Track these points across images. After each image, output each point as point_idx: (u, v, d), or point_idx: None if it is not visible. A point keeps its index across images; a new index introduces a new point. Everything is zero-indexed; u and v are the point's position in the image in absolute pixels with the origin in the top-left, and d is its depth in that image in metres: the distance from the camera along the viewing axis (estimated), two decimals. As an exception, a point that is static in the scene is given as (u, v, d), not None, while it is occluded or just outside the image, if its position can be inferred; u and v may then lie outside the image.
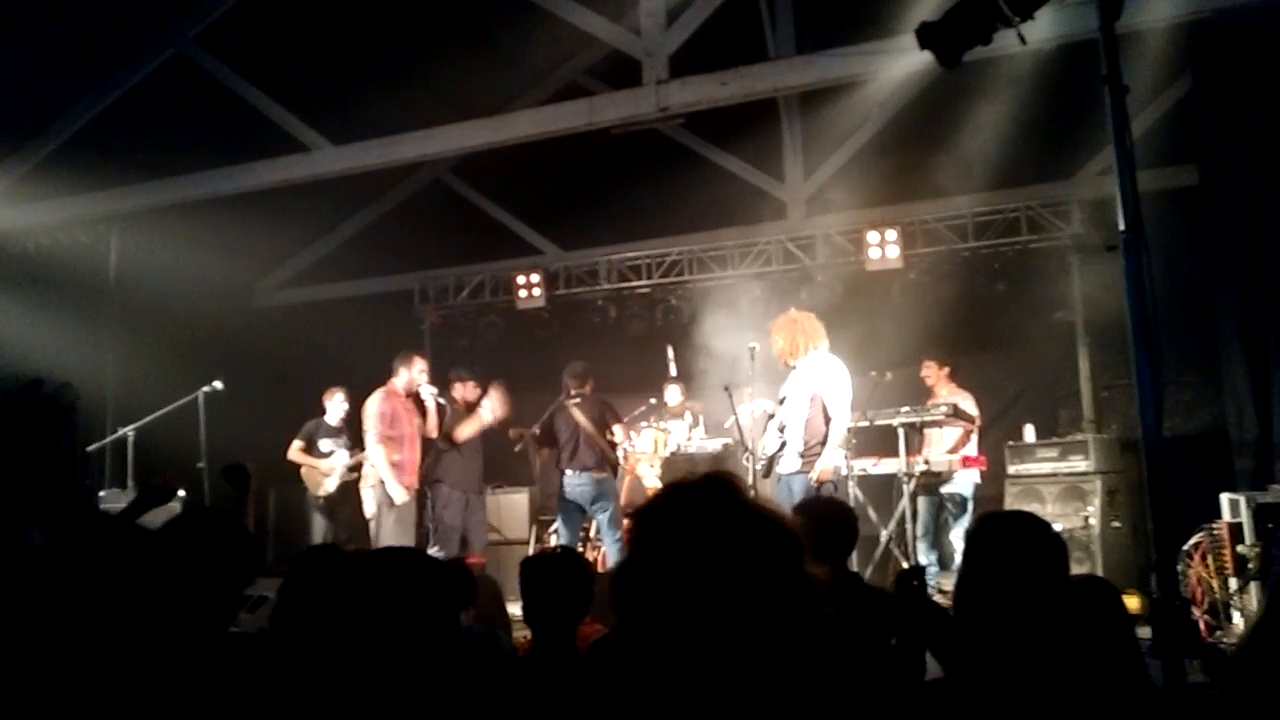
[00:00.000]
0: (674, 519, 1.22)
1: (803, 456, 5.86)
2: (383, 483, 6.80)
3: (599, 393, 7.52)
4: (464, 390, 7.42)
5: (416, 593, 1.75)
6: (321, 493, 8.01)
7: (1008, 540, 1.89)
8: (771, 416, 6.22)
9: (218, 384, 7.15)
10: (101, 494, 7.54)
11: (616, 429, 7.35)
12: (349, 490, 7.92)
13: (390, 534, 6.70)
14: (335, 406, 8.22)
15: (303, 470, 8.10)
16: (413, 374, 7.10)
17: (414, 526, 7.03)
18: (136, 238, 8.45)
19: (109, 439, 7.18)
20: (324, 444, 8.08)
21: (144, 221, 8.21)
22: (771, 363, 6.31)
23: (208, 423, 7.07)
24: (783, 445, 5.93)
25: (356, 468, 7.79)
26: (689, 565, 1.16)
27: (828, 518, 3.60)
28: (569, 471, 7.22)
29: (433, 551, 6.62)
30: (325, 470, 8.01)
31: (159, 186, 7.78)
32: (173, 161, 7.75)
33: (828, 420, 5.88)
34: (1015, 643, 1.76)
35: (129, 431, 7.01)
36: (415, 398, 7.13)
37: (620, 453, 7.63)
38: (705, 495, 1.23)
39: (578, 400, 7.32)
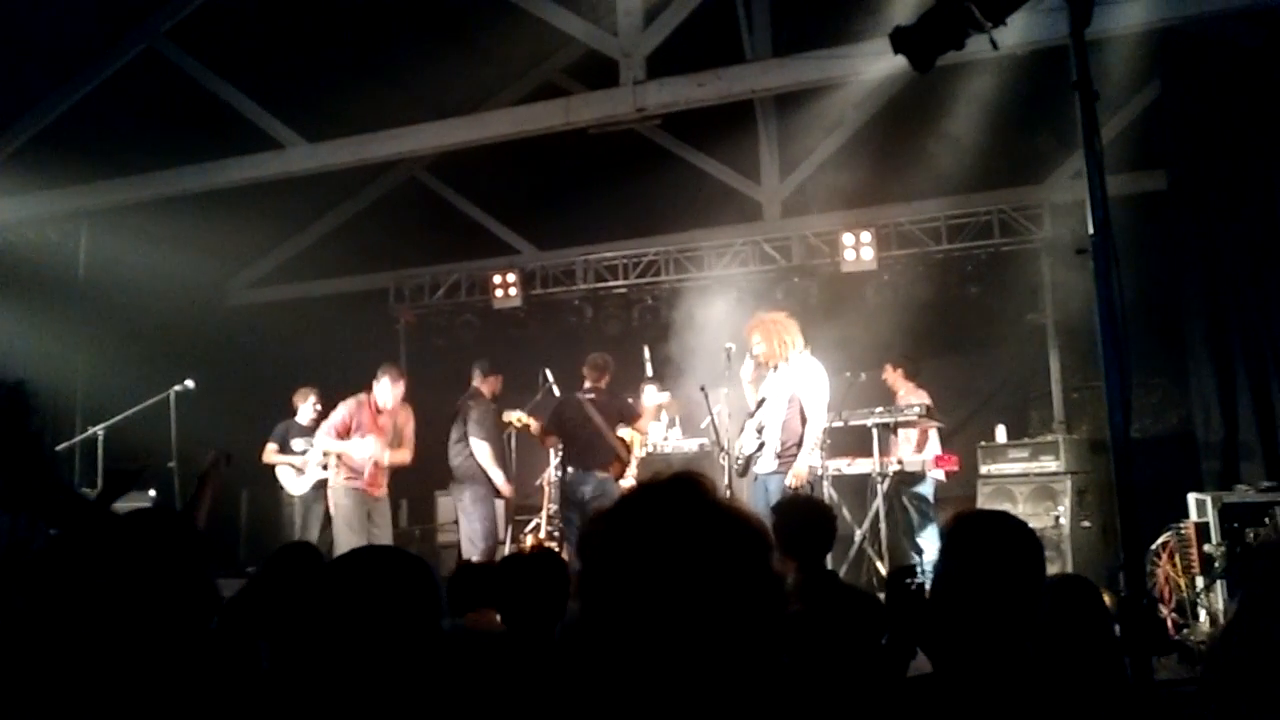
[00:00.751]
0: (638, 517, 1.22)
1: (780, 457, 5.90)
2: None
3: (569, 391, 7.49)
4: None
5: (391, 594, 1.74)
6: (296, 492, 7.97)
7: (985, 539, 1.91)
8: (749, 416, 6.24)
9: (189, 383, 7.07)
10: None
11: (623, 430, 7.23)
12: (324, 489, 7.89)
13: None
14: (307, 407, 8.19)
15: (278, 471, 8.05)
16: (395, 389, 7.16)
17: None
18: (106, 235, 8.34)
19: (78, 438, 7.08)
20: (296, 444, 8.03)
21: (114, 218, 8.11)
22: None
23: (179, 422, 6.99)
24: (761, 446, 5.96)
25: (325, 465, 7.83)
26: (652, 563, 1.16)
27: (804, 516, 3.63)
28: (572, 470, 7.11)
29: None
30: (300, 467, 7.97)
31: (129, 183, 7.69)
32: (144, 158, 7.65)
33: (804, 422, 5.91)
34: (993, 641, 1.78)
35: (99, 430, 6.92)
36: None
37: (642, 451, 7.62)
38: (670, 494, 1.23)
39: (593, 395, 7.19)
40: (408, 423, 7.22)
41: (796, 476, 5.80)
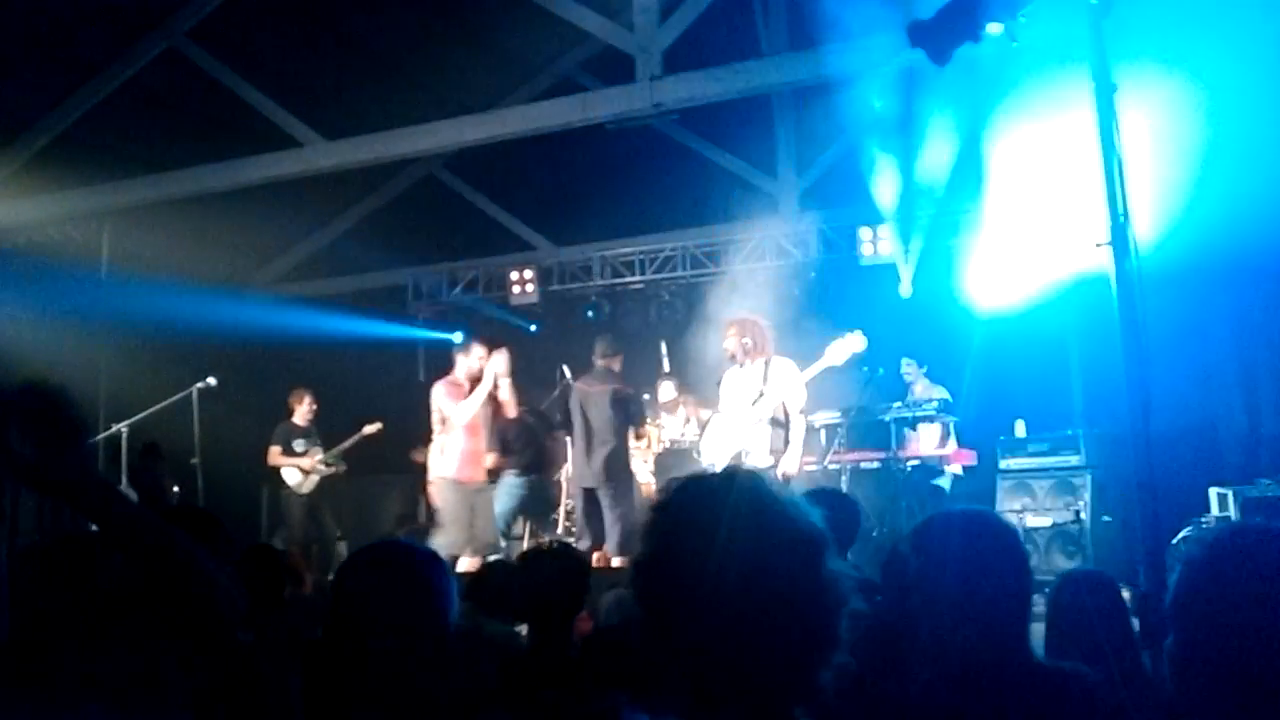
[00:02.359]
0: (701, 511, 1.21)
1: (772, 453, 5.94)
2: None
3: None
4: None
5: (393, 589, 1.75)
6: (305, 491, 8.11)
7: (951, 540, 1.89)
8: (722, 413, 6.21)
9: (211, 380, 7.14)
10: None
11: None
12: (325, 488, 8.08)
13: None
14: (303, 408, 8.30)
15: (285, 472, 8.18)
16: (470, 360, 6.67)
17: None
18: (129, 233, 8.41)
19: (102, 435, 7.16)
20: (297, 444, 8.20)
21: (136, 217, 8.17)
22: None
23: (201, 419, 7.06)
24: (757, 440, 5.98)
25: (333, 464, 8.03)
26: (720, 559, 1.14)
27: (831, 509, 3.63)
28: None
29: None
30: (307, 468, 8.14)
31: (151, 182, 7.75)
32: (165, 157, 7.72)
33: (788, 420, 5.96)
34: (979, 641, 1.77)
35: (123, 428, 7.00)
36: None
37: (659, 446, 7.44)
38: (732, 488, 1.22)
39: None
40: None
41: (787, 471, 5.84)
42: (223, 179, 7.58)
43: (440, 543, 6.07)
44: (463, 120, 7.17)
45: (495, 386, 6.50)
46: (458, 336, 10.42)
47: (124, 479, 6.84)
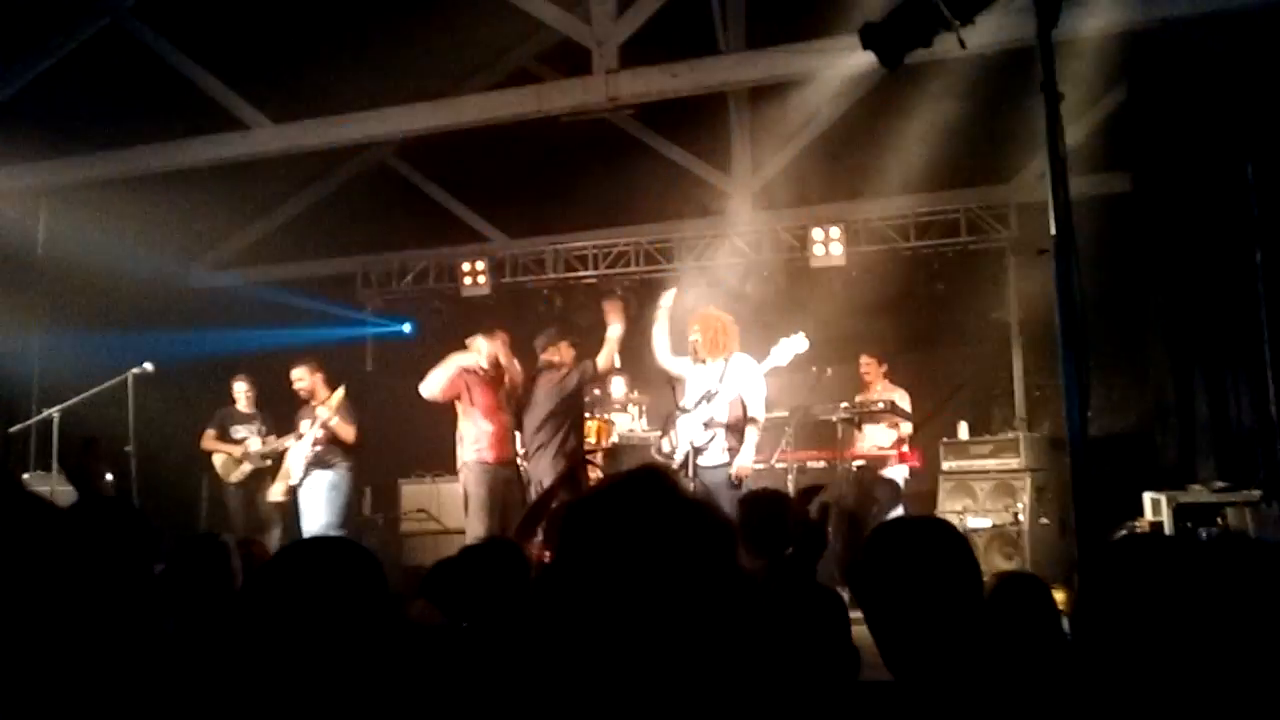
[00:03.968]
0: (607, 510, 1.21)
1: (727, 451, 5.95)
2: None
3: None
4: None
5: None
6: (235, 479, 7.86)
7: (903, 548, 1.91)
8: (684, 411, 6.17)
9: (148, 366, 6.95)
10: (25, 477, 7.33)
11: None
12: (262, 477, 7.76)
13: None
14: (244, 394, 8.04)
15: (215, 458, 7.95)
16: (491, 345, 6.60)
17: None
18: (67, 213, 8.17)
19: (33, 420, 6.95)
20: (237, 430, 7.95)
21: (75, 196, 7.95)
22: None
23: (136, 406, 6.88)
24: (711, 439, 5.98)
25: (270, 455, 7.68)
26: (621, 558, 1.15)
27: (767, 509, 3.64)
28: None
29: None
30: (239, 456, 7.88)
31: (91, 161, 7.54)
32: (105, 135, 7.50)
33: (745, 418, 5.97)
34: (932, 647, 1.79)
35: (54, 413, 6.79)
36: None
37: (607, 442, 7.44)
38: (637, 487, 1.23)
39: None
40: None
41: (740, 469, 5.85)
42: (166, 160, 7.40)
43: (476, 531, 5.99)
44: (415, 107, 7.08)
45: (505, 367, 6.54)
46: (407, 327, 10.33)
47: (54, 464, 6.65)
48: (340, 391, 7.16)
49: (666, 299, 6.54)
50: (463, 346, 6.61)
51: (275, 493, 7.42)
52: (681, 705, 1.14)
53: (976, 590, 1.89)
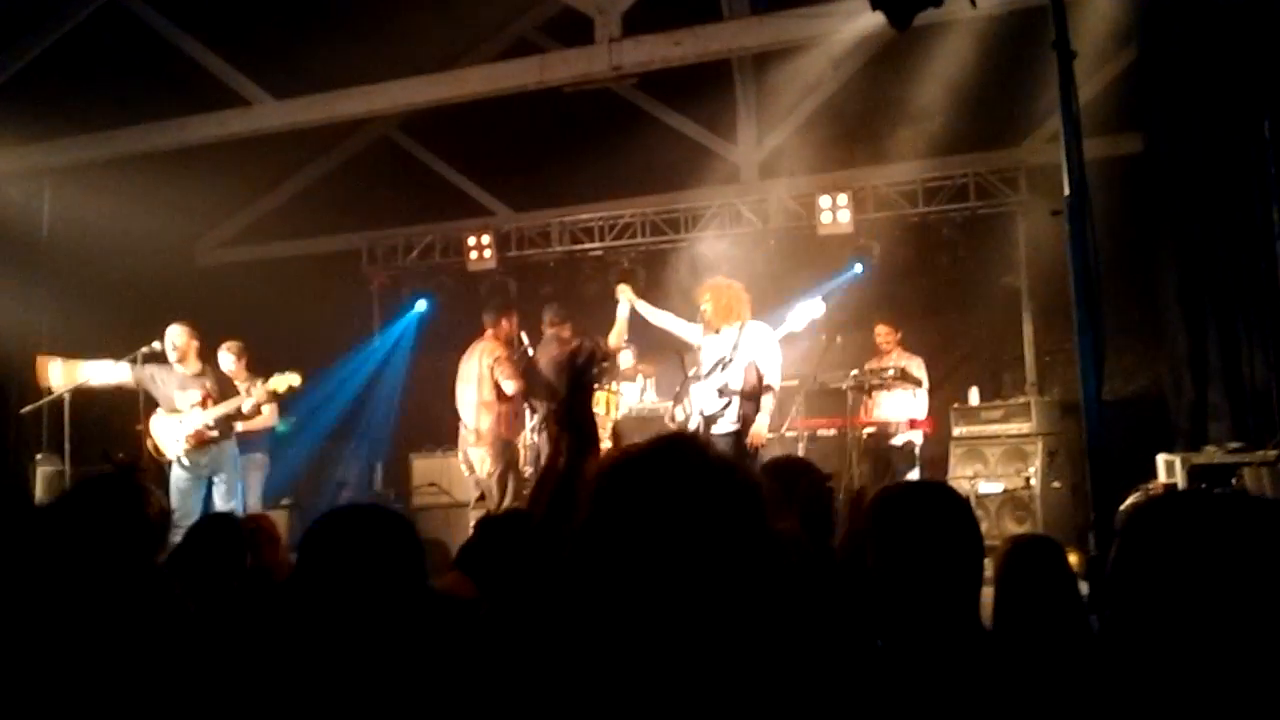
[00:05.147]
0: (638, 476, 1.20)
1: (741, 420, 5.93)
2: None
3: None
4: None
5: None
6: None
7: (907, 514, 1.91)
8: (696, 379, 6.18)
9: (156, 345, 6.94)
10: (38, 457, 7.37)
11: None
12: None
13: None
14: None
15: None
16: (507, 326, 6.97)
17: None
18: (72, 193, 8.14)
19: (44, 400, 6.97)
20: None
21: (79, 176, 7.92)
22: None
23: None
24: (726, 406, 5.97)
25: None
26: (656, 525, 1.15)
27: (794, 475, 3.63)
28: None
29: None
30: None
31: (94, 140, 7.51)
32: (108, 114, 7.47)
33: (760, 385, 5.96)
34: (938, 611, 1.78)
35: (65, 393, 6.80)
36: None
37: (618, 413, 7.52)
38: (667, 452, 1.22)
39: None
40: None
41: (755, 437, 5.85)
42: (169, 138, 7.37)
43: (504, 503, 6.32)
44: (417, 80, 7.03)
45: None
46: (422, 304, 10.28)
47: (66, 444, 6.66)
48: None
49: (624, 296, 6.62)
50: (475, 320, 6.69)
51: None
52: (720, 662, 1.13)
53: (978, 554, 1.89)
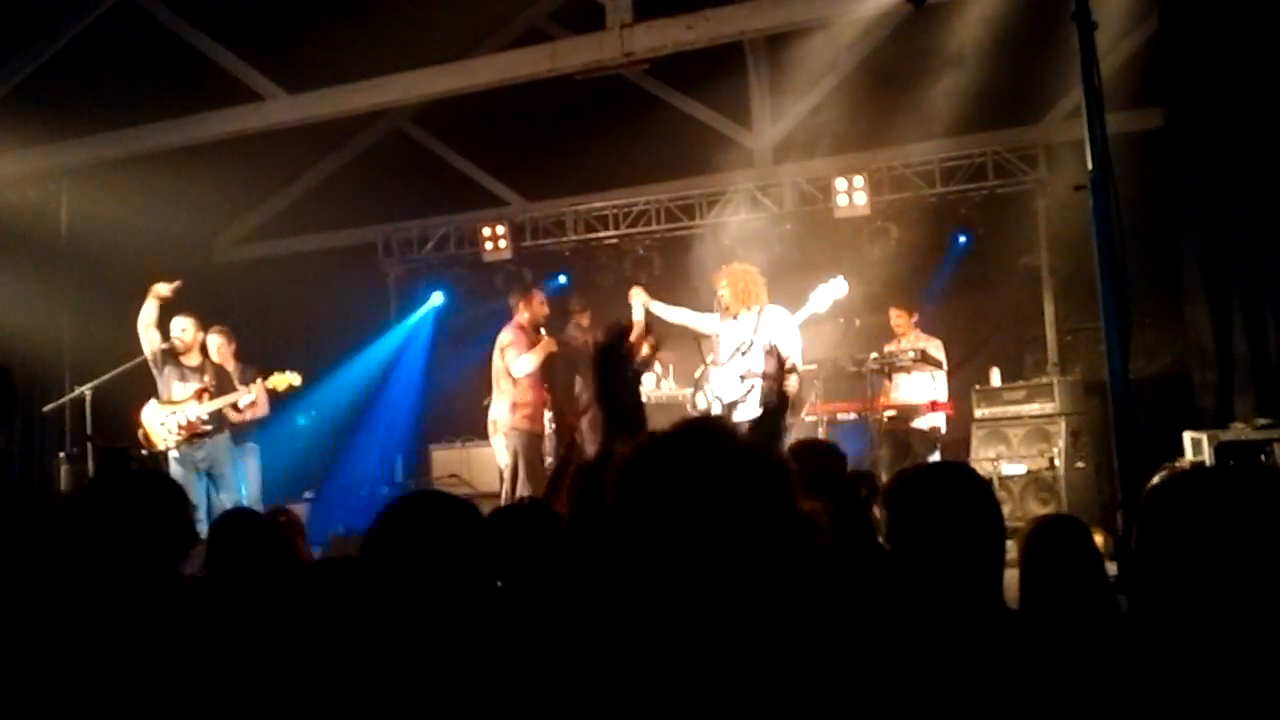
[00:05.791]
0: (665, 460, 1.21)
1: (763, 405, 5.91)
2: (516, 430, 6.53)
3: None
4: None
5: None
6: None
7: (926, 494, 1.90)
8: (716, 366, 6.17)
9: (175, 341, 6.98)
10: (61, 454, 7.43)
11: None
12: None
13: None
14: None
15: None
16: (534, 306, 6.77)
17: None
18: (88, 193, 8.20)
19: (66, 398, 7.03)
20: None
21: (95, 176, 7.97)
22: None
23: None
24: (749, 391, 5.95)
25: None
26: (684, 509, 1.15)
27: (818, 458, 3.63)
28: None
29: None
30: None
31: (108, 139, 7.54)
32: (122, 113, 7.50)
33: (782, 369, 5.93)
34: (959, 591, 1.77)
35: (86, 390, 6.86)
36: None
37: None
38: (694, 435, 1.23)
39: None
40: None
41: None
42: (183, 135, 7.39)
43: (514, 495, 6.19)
44: (429, 71, 7.01)
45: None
46: (437, 297, 10.28)
47: (88, 441, 6.72)
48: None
49: (638, 300, 6.59)
50: (492, 311, 6.67)
51: None
52: (748, 644, 1.13)
53: (998, 535, 1.87)
